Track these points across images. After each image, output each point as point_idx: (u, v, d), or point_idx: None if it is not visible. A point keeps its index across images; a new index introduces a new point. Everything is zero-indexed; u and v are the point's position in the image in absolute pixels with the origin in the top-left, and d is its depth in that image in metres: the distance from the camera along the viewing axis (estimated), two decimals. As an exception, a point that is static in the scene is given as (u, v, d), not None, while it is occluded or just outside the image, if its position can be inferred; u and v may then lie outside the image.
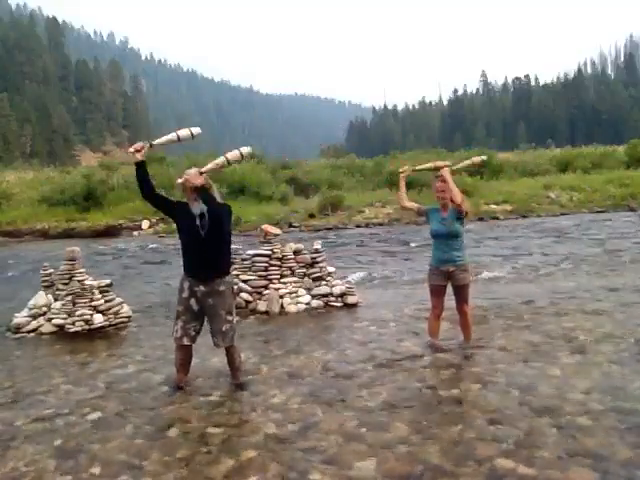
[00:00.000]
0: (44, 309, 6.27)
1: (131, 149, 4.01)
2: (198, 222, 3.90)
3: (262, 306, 6.72)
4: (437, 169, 4.95)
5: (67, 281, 6.17)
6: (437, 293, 4.94)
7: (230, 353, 4.17)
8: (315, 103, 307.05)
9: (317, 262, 7.06)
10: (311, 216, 19.68)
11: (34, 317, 6.21)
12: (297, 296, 6.85)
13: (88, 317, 6.00)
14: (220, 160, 4.10)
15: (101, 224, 19.55)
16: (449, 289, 4.96)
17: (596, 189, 22.39)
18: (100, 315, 6.08)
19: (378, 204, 21.31)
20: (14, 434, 3.53)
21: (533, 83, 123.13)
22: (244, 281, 6.88)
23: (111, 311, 6.21)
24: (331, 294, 6.90)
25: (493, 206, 20.01)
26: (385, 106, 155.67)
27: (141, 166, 3.99)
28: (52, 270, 6.49)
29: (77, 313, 6.00)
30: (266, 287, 6.86)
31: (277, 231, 7.20)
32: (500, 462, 2.90)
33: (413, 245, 13.09)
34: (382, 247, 13.27)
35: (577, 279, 8.18)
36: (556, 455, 2.96)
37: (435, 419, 3.51)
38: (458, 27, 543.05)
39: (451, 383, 4.13)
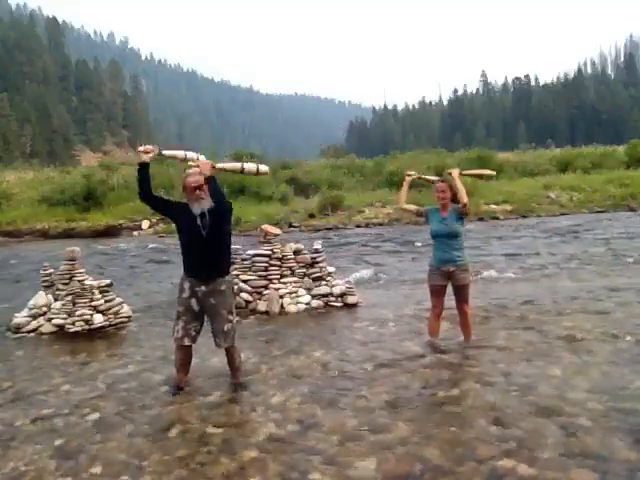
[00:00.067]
0: (44, 309, 6.27)
1: (141, 148, 4.05)
2: (199, 222, 3.91)
3: (262, 306, 6.72)
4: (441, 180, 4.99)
5: (67, 281, 6.17)
6: (437, 293, 4.95)
7: (230, 353, 4.17)
8: (315, 103, 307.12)
9: (317, 262, 7.06)
10: (311, 216, 19.67)
11: (34, 317, 6.21)
12: (297, 296, 6.85)
13: (88, 317, 6.00)
14: (236, 165, 4.19)
15: (101, 224, 19.55)
16: (449, 289, 4.97)
17: (596, 189, 22.37)
18: (100, 315, 6.08)
19: (378, 204, 21.30)
20: (14, 434, 3.53)
21: (533, 83, 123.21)
22: (244, 281, 6.88)
23: (111, 311, 6.21)
24: (331, 294, 6.90)
25: (493, 206, 20.00)
26: (385, 106, 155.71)
27: (144, 167, 4.00)
28: (52, 270, 6.49)
29: (77, 313, 6.00)
30: (266, 287, 6.86)
31: (277, 231, 7.20)
32: (500, 462, 2.90)
33: (413, 245, 13.08)
34: (382, 247, 13.27)
35: (579, 279, 8.17)
36: (556, 455, 2.96)
37: (435, 419, 3.51)
38: (458, 27, 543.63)
39: (451, 383, 4.13)
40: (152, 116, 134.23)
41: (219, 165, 4.16)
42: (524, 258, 10.47)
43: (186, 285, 4.04)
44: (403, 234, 15.31)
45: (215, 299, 4.00)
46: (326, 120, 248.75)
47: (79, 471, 3.03)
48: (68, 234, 18.56)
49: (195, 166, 4.02)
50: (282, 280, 6.91)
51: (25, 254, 14.26)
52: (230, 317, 4.07)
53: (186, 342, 4.06)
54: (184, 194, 4.04)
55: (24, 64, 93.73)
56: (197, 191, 3.92)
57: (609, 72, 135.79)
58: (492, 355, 4.71)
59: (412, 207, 5.21)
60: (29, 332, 6.09)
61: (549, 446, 3.06)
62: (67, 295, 6.11)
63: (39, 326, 6.14)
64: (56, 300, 6.29)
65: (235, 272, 6.59)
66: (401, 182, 5.22)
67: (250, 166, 4.27)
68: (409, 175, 5.22)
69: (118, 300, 6.36)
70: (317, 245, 7.18)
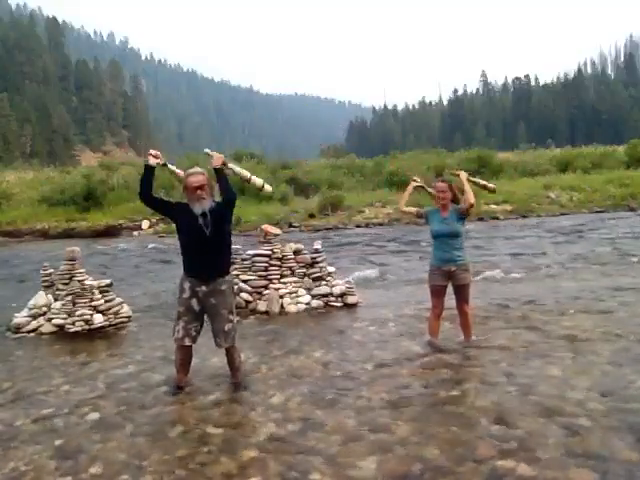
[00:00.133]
0: (44, 309, 6.27)
1: (152, 151, 4.12)
2: (201, 221, 3.91)
3: (262, 306, 6.72)
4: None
5: (67, 281, 6.17)
6: (437, 293, 4.95)
7: (230, 353, 4.17)
8: (315, 103, 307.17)
9: (317, 262, 7.06)
10: (311, 216, 19.67)
11: (34, 317, 6.21)
12: (297, 296, 6.85)
13: (88, 317, 6.00)
14: (245, 173, 4.25)
15: (101, 224, 19.54)
16: (449, 289, 4.97)
17: (596, 189, 22.37)
18: (100, 315, 6.08)
19: (378, 204, 21.29)
20: (14, 434, 3.53)
21: (533, 83, 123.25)
22: (244, 281, 6.88)
23: (111, 311, 6.21)
24: (331, 294, 6.90)
25: (493, 206, 19.98)
26: (385, 106, 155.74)
27: (150, 169, 4.03)
28: (52, 270, 6.49)
29: (77, 313, 6.00)
30: (266, 287, 6.86)
31: (277, 231, 7.20)
32: (500, 462, 2.90)
33: (414, 245, 13.08)
34: (382, 247, 13.26)
35: (583, 279, 8.15)
36: (556, 455, 2.96)
37: (435, 419, 3.51)
38: (458, 27, 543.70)
39: (451, 383, 4.13)
40: (152, 116, 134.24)
41: (230, 165, 4.19)
42: (526, 258, 10.47)
43: (186, 285, 4.04)
44: (404, 234, 15.31)
45: (216, 299, 4.00)
46: (326, 120, 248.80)
47: (79, 471, 3.03)
48: (68, 234, 18.56)
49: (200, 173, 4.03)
50: (282, 280, 6.91)
51: (25, 254, 14.26)
52: (231, 317, 4.08)
53: (187, 342, 4.06)
54: (184, 193, 4.04)
55: (24, 64, 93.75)
56: (198, 191, 3.92)
57: (609, 72, 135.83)
58: (492, 355, 4.71)
59: (412, 209, 5.23)
60: (29, 332, 6.09)
61: (549, 446, 3.05)
62: (67, 295, 6.11)
63: (39, 326, 6.13)
64: (56, 300, 6.29)
65: (235, 272, 6.59)
66: (401, 182, 5.23)
67: (257, 180, 4.34)
68: (415, 181, 5.22)
69: (118, 300, 6.36)
70: (317, 245, 7.18)
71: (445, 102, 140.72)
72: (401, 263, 10.73)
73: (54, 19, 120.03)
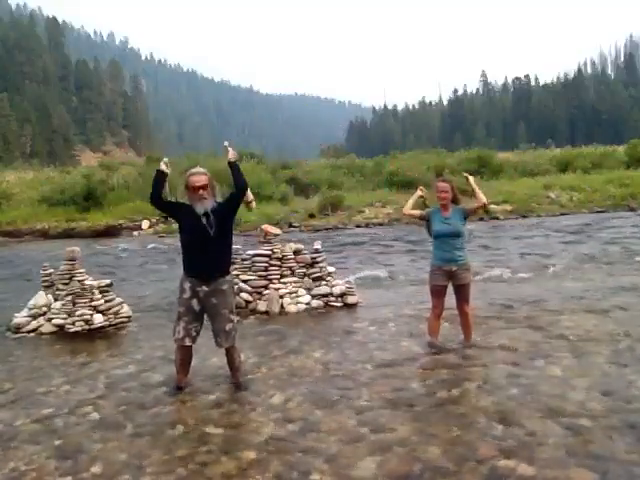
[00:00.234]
0: (44, 309, 6.27)
1: (166, 159, 4.23)
2: (205, 221, 3.91)
3: (262, 306, 6.72)
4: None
5: (67, 281, 6.17)
6: (438, 293, 4.95)
7: (230, 353, 4.17)
8: (315, 103, 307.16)
9: (317, 262, 7.06)
10: (311, 216, 19.67)
11: (34, 317, 6.21)
12: (297, 296, 6.85)
13: (88, 317, 6.00)
14: (249, 194, 4.34)
15: (101, 224, 19.54)
16: (449, 289, 4.97)
17: (596, 189, 22.37)
18: (100, 315, 6.08)
19: (378, 204, 21.29)
20: (14, 434, 3.53)
21: (533, 83, 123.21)
22: (244, 281, 6.87)
23: (111, 311, 6.21)
24: (331, 294, 6.90)
25: (493, 206, 19.95)
26: (385, 106, 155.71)
27: (161, 174, 4.10)
28: (52, 270, 6.49)
29: (77, 313, 6.00)
30: (266, 287, 6.86)
31: (277, 231, 7.20)
32: (500, 462, 2.90)
33: (413, 245, 13.08)
34: (382, 247, 13.26)
35: (585, 278, 8.14)
36: (556, 455, 2.96)
37: (435, 419, 3.51)
38: (458, 27, 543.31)
39: (451, 383, 4.13)
40: (152, 116, 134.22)
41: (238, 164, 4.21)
42: (534, 258, 10.45)
43: (187, 285, 4.04)
44: (404, 234, 15.31)
45: (217, 299, 4.01)
46: (326, 120, 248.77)
47: (79, 471, 3.03)
48: (68, 234, 18.56)
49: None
50: (282, 280, 6.91)
51: (25, 254, 14.26)
52: (231, 317, 4.08)
53: (187, 342, 4.06)
54: (186, 193, 4.05)
55: (24, 64, 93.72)
56: (200, 191, 3.93)
57: (609, 72, 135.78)
58: (493, 355, 4.71)
59: (416, 212, 5.14)
60: (29, 332, 6.09)
61: (550, 446, 3.06)
62: (67, 295, 6.11)
63: (39, 326, 6.13)
64: (56, 300, 6.29)
65: (235, 272, 6.59)
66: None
67: (249, 194, 4.42)
68: (422, 190, 5.21)
69: (118, 300, 6.36)
70: (317, 245, 7.18)
71: (445, 102, 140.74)
72: (401, 263, 10.72)
73: (54, 19, 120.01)
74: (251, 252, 7.05)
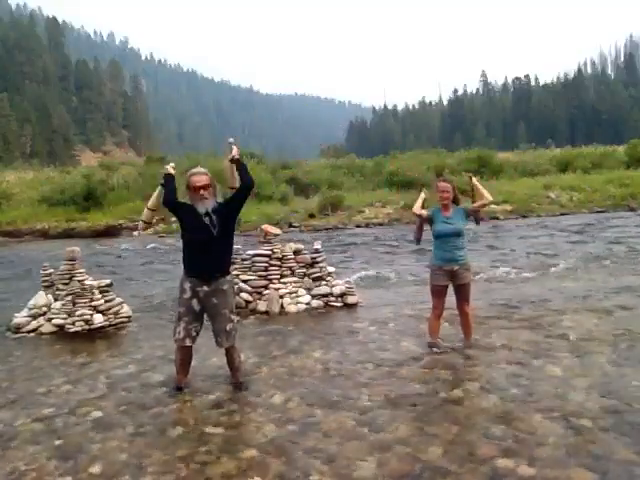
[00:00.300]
0: (44, 309, 6.27)
1: (173, 163, 4.33)
2: (208, 221, 3.92)
3: (262, 306, 6.72)
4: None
5: (67, 281, 6.17)
6: (439, 293, 4.94)
7: (230, 353, 4.17)
8: (315, 103, 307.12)
9: (317, 262, 7.06)
10: (311, 216, 19.68)
11: (34, 317, 6.21)
12: (297, 296, 6.85)
13: (88, 317, 6.00)
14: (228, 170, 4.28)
15: (101, 224, 19.55)
16: (449, 289, 4.97)
17: (596, 189, 22.38)
18: (100, 315, 6.08)
19: (378, 204, 21.30)
20: (14, 434, 3.53)
21: (533, 83, 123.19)
22: (244, 281, 6.87)
23: (111, 311, 6.21)
24: (331, 294, 6.90)
25: (493, 206, 19.93)
26: (385, 106, 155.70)
27: (172, 177, 4.14)
28: (52, 270, 6.49)
29: (77, 313, 6.00)
30: (266, 287, 6.86)
31: (277, 231, 7.20)
32: (500, 462, 2.90)
33: (413, 246, 13.06)
34: (382, 247, 13.26)
35: (590, 279, 8.13)
36: (556, 455, 2.96)
37: (435, 419, 3.51)
38: (458, 27, 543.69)
39: (451, 383, 4.13)
40: (152, 116, 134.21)
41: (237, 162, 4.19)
42: (539, 257, 10.45)
43: (187, 286, 4.03)
44: (404, 234, 15.28)
45: (217, 299, 4.01)
46: (326, 120, 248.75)
47: (79, 471, 3.03)
48: (68, 234, 18.57)
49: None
50: (282, 280, 6.91)
51: (25, 254, 14.26)
52: (232, 317, 4.09)
53: (187, 343, 4.06)
54: (187, 193, 4.05)
55: (24, 64, 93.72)
56: (201, 191, 3.93)
57: (609, 72, 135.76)
58: (493, 355, 4.71)
59: (425, 212, 5.04)
60: (29, 332, 6.09)
61: (550, 446, 3.06)
62: (67, 295, 6.11)
63: (39, 326, 6.13)
64: (56, 300, 6.29)
65: (235, 272, 6.59)
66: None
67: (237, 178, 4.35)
68: (425, 194, 5.19)
69: (118, 300, 6.36)
70: (317, 245, 7.18)
71: (445, 102, 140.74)
72: (401, 263, 10.72)
73: (54, 19, 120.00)
74: (251, 252, 7.05)
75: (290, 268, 6.99)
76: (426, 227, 5.11)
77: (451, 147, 53.43)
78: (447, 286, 4.93)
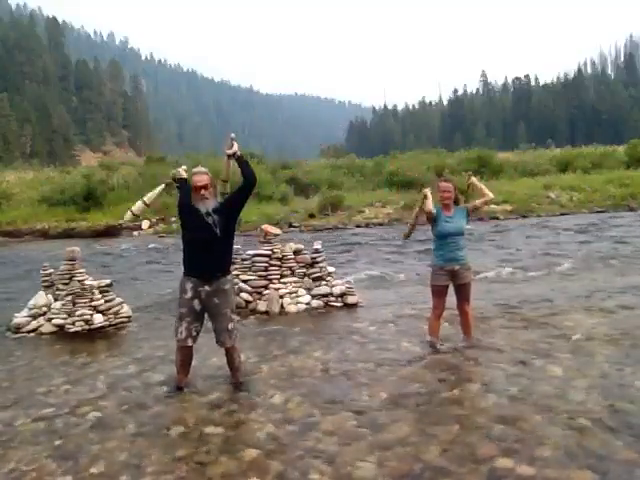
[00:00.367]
0: (44, 309, 6.27)
1: (184, 166, 4.33)
2: (210, 221, 3.92)
3: (262, 306, 6.72)
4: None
5: (67, 281, 6.17)
6: (439, 294, 4.94)
7: (230, 353, 4.17)
8: (315, 103, 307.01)
9: (317, 262, 7.05)
10: (311, 216, 19.68)
11: (34, 317, 6.21)
12: (297, 296, 6.85)
13: (88, 317, 6.00)
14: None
15: (101, 224, 19.55)
16: (450, 289, 4.97)
17: (596, 189, 22.39)
18: (100, 315, 6.08)
19: (378, 204, 21.31)
20: (14, 434, 3.53)
21: (533, 83, 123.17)
22: (244, 281, 6.87)
23: (111, 311, 6.21)
24: (331, 294, 6.90)
25: (493, 206, 19.96)
26: (385, 106, 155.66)
27: (185, 181, 4.15)
28: (52, 270, 6.49)
29: (77, 313, 6.00)
30: (266, 287, 6.86)
31: (277, 231, 7.20)
32: (500, 462, 2.90)
33: (412, 246, 13.07)
34: (382, 247, 13.26)
35: (593, 279, 8.13)
36: (556, 455, 2.96)
37: (435, 419, 3.51)
38: (458, 27, 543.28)
39: (451, 383, 4.13)
40: (152, 116, 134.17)
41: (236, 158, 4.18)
42: (545, 257, 10.44)
43: (188, 286, 4.03)
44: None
45: (219, 298, 4.01)
46: (326, 120, 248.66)
47: (79, 471, 3.03)
48: (68, 234, 18.57)
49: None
50: (282, 280, 6.91)
51: (25, 254, 14.27)
52: (233, 316, 4.10)
53: (189, 343, 4.07)
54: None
55: (24, 64, 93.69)
56: (202, 190, 3.93)
57: (609, 72, 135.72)
58: (493, 355, 4.71)
59: (433, 210, 4.94)
60: (29, 332, 6.09)
61: (549, 446, 3.05)
62: (67, 295, 6.11)
63: (39, 326, 6.13)
64: (56, 300, 6.29)
65: (235, 272, 6.59)
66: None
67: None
68: (430, 192, 5.16)
69: (118, 300, 6.36)
70: (317, 245, 7.18)
71: (445, 102, 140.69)
72: (401, 263, 10.73)
73: (54, 19, 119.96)
74: (251, 252, 7.05)
75: (290, 268, 6.99)
76: (419, 227, 5.13)
77: (451, 147, 53.45)
78: (447, 286, 4.93)
